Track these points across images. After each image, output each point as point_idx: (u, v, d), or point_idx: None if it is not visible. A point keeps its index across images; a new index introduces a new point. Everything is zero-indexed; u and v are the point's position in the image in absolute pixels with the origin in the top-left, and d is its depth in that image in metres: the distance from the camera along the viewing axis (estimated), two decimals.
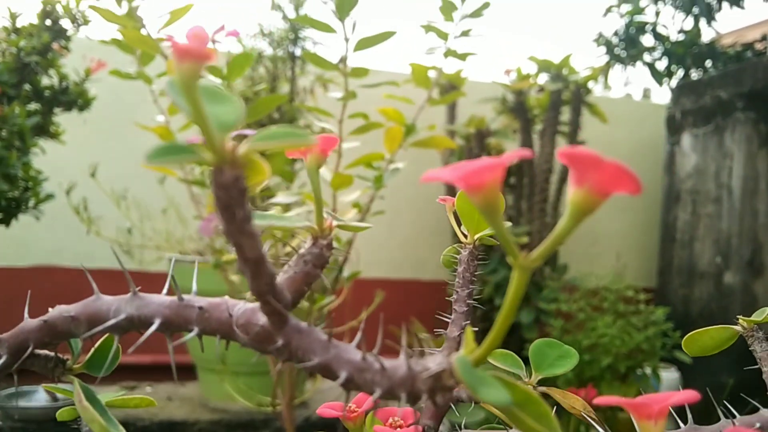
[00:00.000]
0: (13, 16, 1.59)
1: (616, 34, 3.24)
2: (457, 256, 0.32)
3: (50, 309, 0.28)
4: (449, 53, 1.20)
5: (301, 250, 0.27)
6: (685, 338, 0.34)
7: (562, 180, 2.22)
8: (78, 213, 1.54)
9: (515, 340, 2.11)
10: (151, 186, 1.75)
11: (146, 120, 1.52)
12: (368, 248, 2.27)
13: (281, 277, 0.26)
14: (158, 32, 0.91)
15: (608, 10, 3.31)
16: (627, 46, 3.25)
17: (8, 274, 2.21)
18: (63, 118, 1.63)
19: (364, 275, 2.03)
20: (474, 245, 0.32)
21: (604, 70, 3.30)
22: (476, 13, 1.25)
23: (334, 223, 0.27)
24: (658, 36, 3.22)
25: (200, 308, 0.26)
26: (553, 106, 2.09)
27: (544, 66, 2.12)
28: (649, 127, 2.97)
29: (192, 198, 1.21)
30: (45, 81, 1.61)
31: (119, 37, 1.03)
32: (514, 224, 2.30)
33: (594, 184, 0.18)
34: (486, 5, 1.25)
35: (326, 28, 0.78)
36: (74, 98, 1.57)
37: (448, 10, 1.22)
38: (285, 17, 1.55)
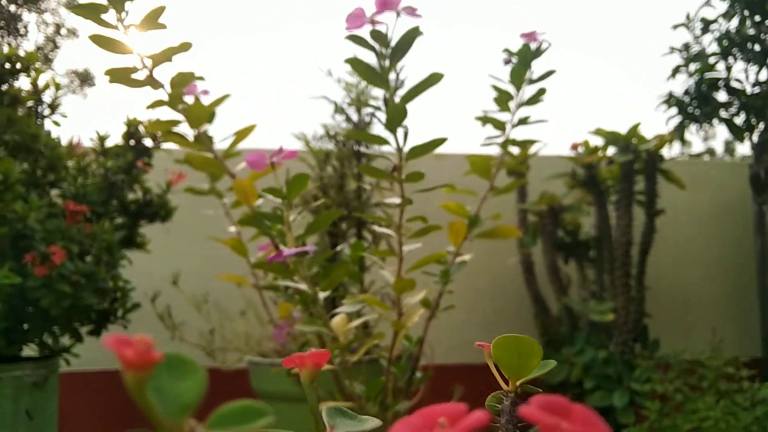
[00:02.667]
0: (102, 139, 1.73)
1: (687, 92, 3.16)
2: (499, 406, 0.31)
3: None
4: (508, 143, 1.20)
5: None
6: None
7: (644, 252, 2.14)
8: (162, 320, 1.60)
9: (609, 426, 1.99)
10: (230, 289, 1.81)
11: (223, 227, 1.58)
12: (446, 333, 2.23)
13: None
14: (226, 153, 0.97)
15: (675, 70, 3.24)
16: (700, 105, 3.16)
17: (103, 377, 2.31)
18: (147, 228, 1.73)
19: (443, 362, 1.98)
20: (516, 393, 0.31)
21: (679, 130, 3.22)
22: (534, 100, 1.26)
23: None
24: (732, 91, 3.12)
25: None
26: (625, 178, 2.04)
27: (611, 138, 2.08)
28: (734, 186, 2.84)
29: (264, 303, 1.24)
30: (130, 195, 1.73)
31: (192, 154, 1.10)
32: (598, 300, 2.21)
33: None
34: (542, 92, 1.25)
35: (379, 140, 0.81)
36: (157, 210, 1.67)
37: (503, 101, 1.24)
38: (348, 119, 1.61)
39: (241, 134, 0.92)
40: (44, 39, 8.96)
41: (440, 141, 0.78)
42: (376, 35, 0.74)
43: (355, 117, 1.66)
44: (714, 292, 2.67)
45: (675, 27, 3.28)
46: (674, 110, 3.22)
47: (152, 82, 0.92)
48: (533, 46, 1.26)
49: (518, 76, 1.25)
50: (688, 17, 3.23)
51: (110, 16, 0.92)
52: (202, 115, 0.91)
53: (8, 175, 1.19)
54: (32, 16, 8.75)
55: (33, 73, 1.43)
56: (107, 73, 0.93)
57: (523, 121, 1.24)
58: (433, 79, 0.77)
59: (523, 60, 1.25)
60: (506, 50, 1.35)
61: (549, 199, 2.15)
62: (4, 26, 8.25)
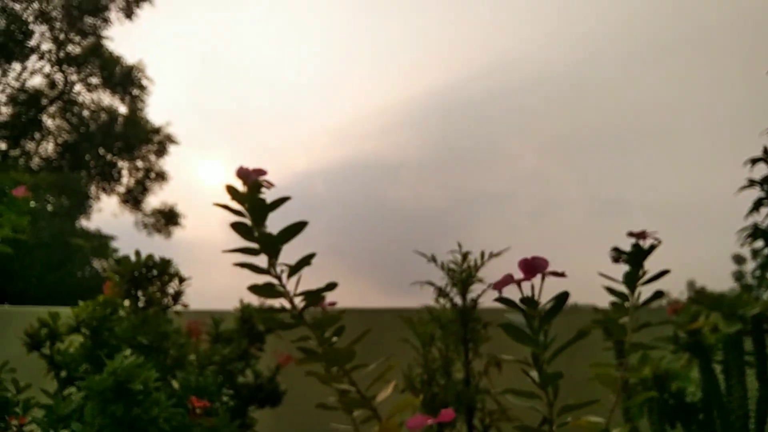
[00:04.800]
0: (217, 322, 1.82)
1: None
2: None
3: None
4: (631, 350, 1.21)
5: None
6: None
7: (761, 421, 2.02)
8: None
9: None
10: None
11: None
12: None
13: None
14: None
15: (757, 204, 3.20)
16: None
17: None
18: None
19: None
20: None
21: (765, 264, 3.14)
22: (650, 301, 1.27)
23: None
24: None
25: None
26: (734, 347, 1.97)
27: (714, 304, 2.04)
28: None
29: None
30: (240, 377, 1.79)
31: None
32: None
33: None
34: (660, 294, 1.27)
35: (528, 395, 0.83)
36: (268, 395, 1.72)
37: (618, 306, 1.26)
38: (453, 305, 1.65)
39: (384, 372, 0.97)
40: (134, 183, 9.71)
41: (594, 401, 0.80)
42: (527, 302, 0.78)
43: (459, 300, 1.70)
44: None
45: (754, 162, 3.28)
46: (761, 243, 3.15)
47: (301, 321, 0.99)
48: (644, 244, 1.29)
49: (632, 279, 1.27)
50: (765, 150, 3.23)
51: (262, 259, 1.01)
52: (346, 357, 0.97)
53: (148, 383, 1.26)
54: (125, 163, 9.56)
55: (166, 278, 1.55)
56: (258, 313, 1.01)
57: (643, 326, 1.25)
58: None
59: (635, 261, 1.28)
60: (615, 249, 1.38)
61: (653, 367, 2.09)
62: (101, 173, 9.03)
